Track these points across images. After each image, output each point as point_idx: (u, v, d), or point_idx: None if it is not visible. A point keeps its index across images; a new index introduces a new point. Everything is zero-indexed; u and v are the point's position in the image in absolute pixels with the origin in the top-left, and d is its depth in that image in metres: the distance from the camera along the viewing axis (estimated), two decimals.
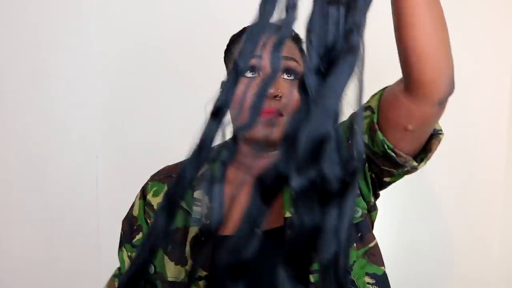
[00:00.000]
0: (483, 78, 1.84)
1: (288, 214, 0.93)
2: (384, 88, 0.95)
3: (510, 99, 1.85)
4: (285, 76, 0.94)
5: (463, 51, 1.81)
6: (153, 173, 1.10)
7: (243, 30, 0.97)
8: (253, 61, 0.91)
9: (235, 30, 1.02)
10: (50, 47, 1.66)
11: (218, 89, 1.05)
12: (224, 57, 1.02)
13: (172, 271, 0.97)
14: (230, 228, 0.95)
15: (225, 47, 1.04)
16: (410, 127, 0.88)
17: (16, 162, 1.70)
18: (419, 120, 0.88)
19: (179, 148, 1.67)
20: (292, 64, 0.94)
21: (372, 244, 0.96)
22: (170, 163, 1.09)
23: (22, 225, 1.71)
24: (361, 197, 0.97)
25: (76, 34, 1.67)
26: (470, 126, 1.85)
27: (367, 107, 0.93)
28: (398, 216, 1.71)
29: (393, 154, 0.90)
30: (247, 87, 0.91)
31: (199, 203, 0.98)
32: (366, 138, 0.92)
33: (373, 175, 0.97)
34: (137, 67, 1.70)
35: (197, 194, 0.98)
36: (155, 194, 1.03)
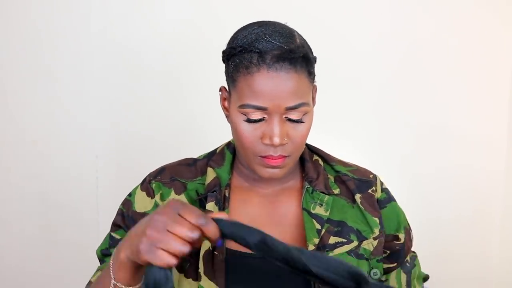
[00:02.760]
0: (483, 78, 1.84)
1: (311, 247, 0.94)
2: None
3: (510, 99, 1.85)
4: (293, 120, 0.91)
5: (463, 52, 1.82)
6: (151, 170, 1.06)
7: (244, 44, 0.91)
8: (257, 114, 0.89)
9: (234, 31, 1.01)
10: (50, 47, 1.66)
11: (217, 92, 1.04)
12: (223, 59, 0.98)
13: (180, 283, 0.95)
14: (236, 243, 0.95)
15: (223, 48, 1.02)
16: None
17: (16, 162, 1.69)
18: None
19: (178, 148, 1.68)
20: (301, 110, 0.90)
21: None
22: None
23: (22, 225, 1.70)
24: (381, 262, 0.99)
25: (76, 34, 1.67)
26: (470, 126, 1.85)
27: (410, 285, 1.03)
28: None
29: None
30: (251, 131, 0.90)
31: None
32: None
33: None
34: (137, 67, 1.70)
35: (209, 206, 0.97)
36: (163, 198, 1.00)
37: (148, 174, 1.03)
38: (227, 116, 0.96)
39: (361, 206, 0.99)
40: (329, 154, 1.07)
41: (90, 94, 1.70)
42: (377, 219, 0.99)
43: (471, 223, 1.88)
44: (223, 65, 0.99)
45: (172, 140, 1.73)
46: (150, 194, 1.00)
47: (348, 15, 1.76)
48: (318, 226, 0.95)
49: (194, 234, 0.73)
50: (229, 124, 0.96)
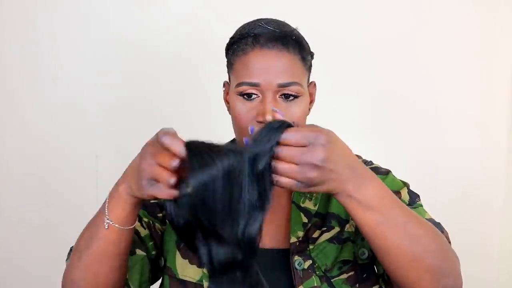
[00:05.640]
0: (483, 79, 1.84)
1: (293, 239, 0.95)
2: None
3: (510, 99, 1.85)
4: (285, 98, 0.94)
5: (463, 52, 1.81)
6: None
7: (242, 32, 0.97)
8: (251, 91, 0.92)
9: (234, 30, 1.02)
10: (50, 47, 1.66)
11: (219, 92, 1.05)
12: (225, 52, 1.02)
13: (184, 269, 0.97)
14: None
15: (224, 47, 1.04)
16: None
17: (15, 162, 1.69)
18: None
19: None
20: (293, 89, 0.93)
21: (376, 287, 0.97)
22: None
23: (22, 225, 1.70)
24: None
25: (76, 34, 1.67)
26: (470, 126, 1.85)
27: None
28: None
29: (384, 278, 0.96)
30: (246, 110, 0.93)
31: None
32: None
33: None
34: (137, 67, 1.70)
35: None
36: None
37: None
38: (228, 109, 1.00)
39: None
40: None
41: (90, 94, 1.70)
42: None
43: (472, 223, 1.88)
44: (226, 65, 1.02)
45: None
46: None
47: (347, 15, 1.77)
48: (305, 220, 0.97)
49: (175, 163, 0.72)
50: (231, 121, 0.99)
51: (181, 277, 0.96)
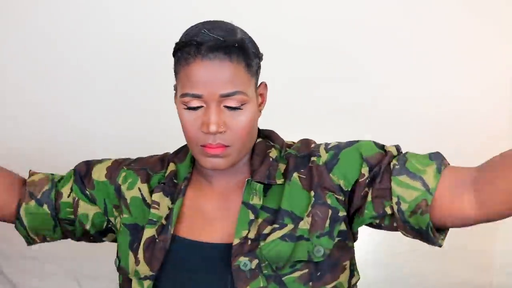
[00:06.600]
0: (484, 78, 1.84)
1: (236, 241, 0.95)
2: (441, 168, 0.95)
3: (511, 99, 1.85)
4: (230, 109, 0.95)
5: (464, 51, 1.82)
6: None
7: (186, 39, 0.97)
8: (195, 103, 0.93)
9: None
10: (50, 46, 1.67)
11: (172, 91, 1.05)
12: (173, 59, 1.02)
13: (131, 268, 1.02)
14: (187, 231, 0.99)
15: None
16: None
17: (15, 162, 1.69)
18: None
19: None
20: (237, 98, 0.94)
21: (331, 285, 0.96)
22: None
23: None
24: (327, 236, 0.96)
25: (76, 34, 1.68)
26: (471, 126, 1.85)
27: (417, 176, 0.93)
28: None
29: (431, 234, 0.93)
30: (192, 121, 0.95)
31: (157, 206, 1.02)
32: (404, 206, 0.92)
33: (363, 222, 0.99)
34: (137, 67, 1.70)
35: (155, 197, 1.03)
36: (130, 187, 1.07)
37: (125, 160, 1.12)
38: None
39: (299, 183, 0.99)
40: (292, 143, 1.07)
41: (90, 94, 1.70)
42: (311, 192, 0.97)
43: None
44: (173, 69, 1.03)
45: (172, 141, 1.73)
46: (111, 177, 1.09)
47: (352, 12, 1.77)
48: (252, 217, 0.96)
49: None
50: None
51: (130, 276, 1.01)
